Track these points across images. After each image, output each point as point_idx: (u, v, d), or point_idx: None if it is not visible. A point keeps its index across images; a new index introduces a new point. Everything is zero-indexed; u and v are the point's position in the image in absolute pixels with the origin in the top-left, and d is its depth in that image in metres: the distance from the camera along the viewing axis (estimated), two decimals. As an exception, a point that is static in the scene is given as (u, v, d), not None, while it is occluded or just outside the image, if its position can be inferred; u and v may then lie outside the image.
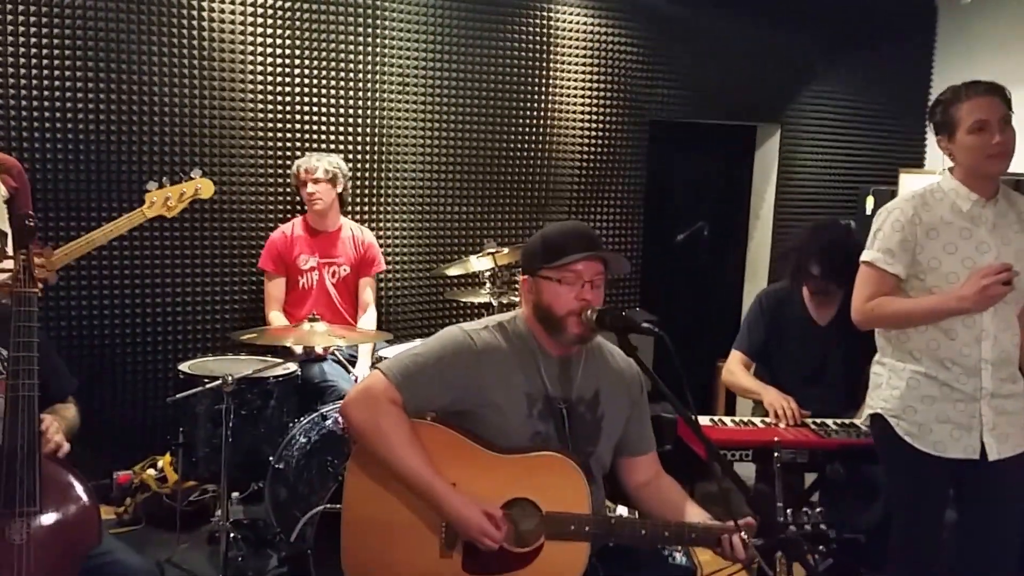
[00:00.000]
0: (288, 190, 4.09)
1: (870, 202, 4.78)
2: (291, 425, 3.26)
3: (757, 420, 3.06)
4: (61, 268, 2.94)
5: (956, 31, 5.35)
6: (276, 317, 3.79)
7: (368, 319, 3.94)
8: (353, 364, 3.69)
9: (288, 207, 4.10)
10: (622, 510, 2.46)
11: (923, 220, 2.46)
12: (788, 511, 1.89)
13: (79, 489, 2.01)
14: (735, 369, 3.27)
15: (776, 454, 2.75)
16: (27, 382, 1.94)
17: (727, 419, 3.06)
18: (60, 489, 1.97)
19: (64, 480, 1.99)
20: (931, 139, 5.48)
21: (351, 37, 4.12)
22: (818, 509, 1.90)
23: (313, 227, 3.87)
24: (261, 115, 3.99)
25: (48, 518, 1.93)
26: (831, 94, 5.33)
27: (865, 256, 2.56)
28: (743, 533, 1.90)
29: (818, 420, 3.01)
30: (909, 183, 4.57)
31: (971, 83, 2.44)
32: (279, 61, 3.99)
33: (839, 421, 3.01)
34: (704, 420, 3.00)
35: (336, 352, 3.61)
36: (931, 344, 2.46)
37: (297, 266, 3.82)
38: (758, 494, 1.80)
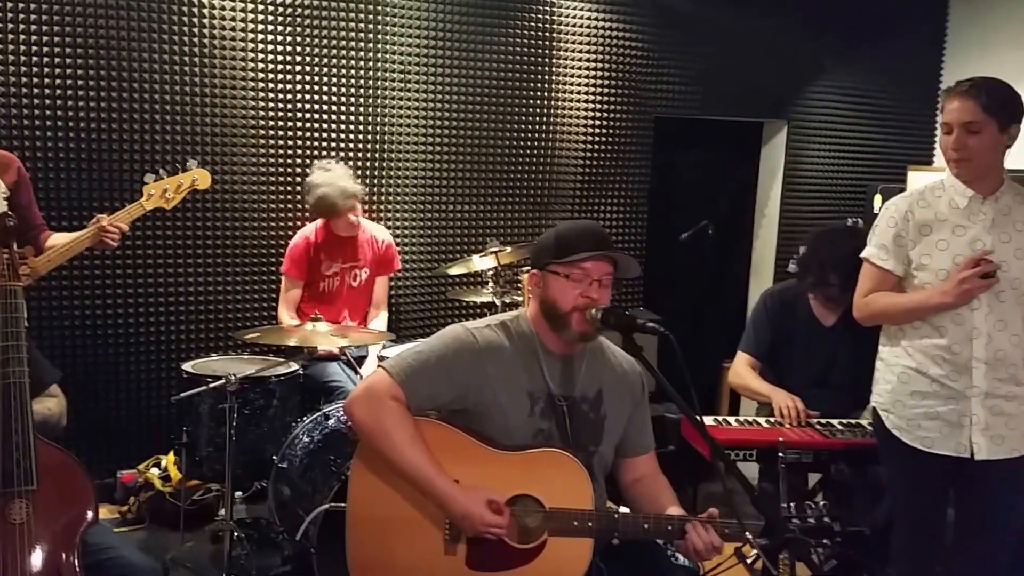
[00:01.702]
0: (291, 187, 4.08)
1: (878, 200, 4.75)
2: (294, 424, 3.27)
3: (762, 420, 3.04)
4: (63, 264, 2.96)
5: (968, 24, 5.30)
6: (287, 318, 3.78)
7: (380, 321, 3.95)
8: (361, 364, 3.69)
9: (291, 205, 4.10)
10: (625, 511, 2.46)
11: (916, 216, 2.46)
12: (792, 504, 1.88)
13: (73, 467, 2.10)
14: (742, 371, 3.25)
15: (780, 454, 2.74)
16: (17, 369, 2.03)
17: (731, 419, 3.04)
18: (55, 468, 2.05)
19: (58, 459, 2.08)
20: (940, 136, 5.50)
21: (352, 34, 4.11)
22: (822, 503, 1.89)
23: (336, 233, 3.84)
24: (263, 112, 3.98)
25: (46, 496, 2.00)
26: (839, 89, 5.30)
27: (864, 252, 2.57)
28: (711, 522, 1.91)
29: (823, 420, 2.99)
30: (917, 180, 4.55)
31: (958, 81, 2.45)
32: (280, 58, 3.98)
33: (844, 421, 2.99)
34: (708, 420, 2.99)
35: (346, 353, 3.61)
36: (923, 340, 2.46)
37: (320, 272, 3.82)
38: (762, 494, 1.79)
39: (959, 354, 2.41)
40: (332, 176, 3.68)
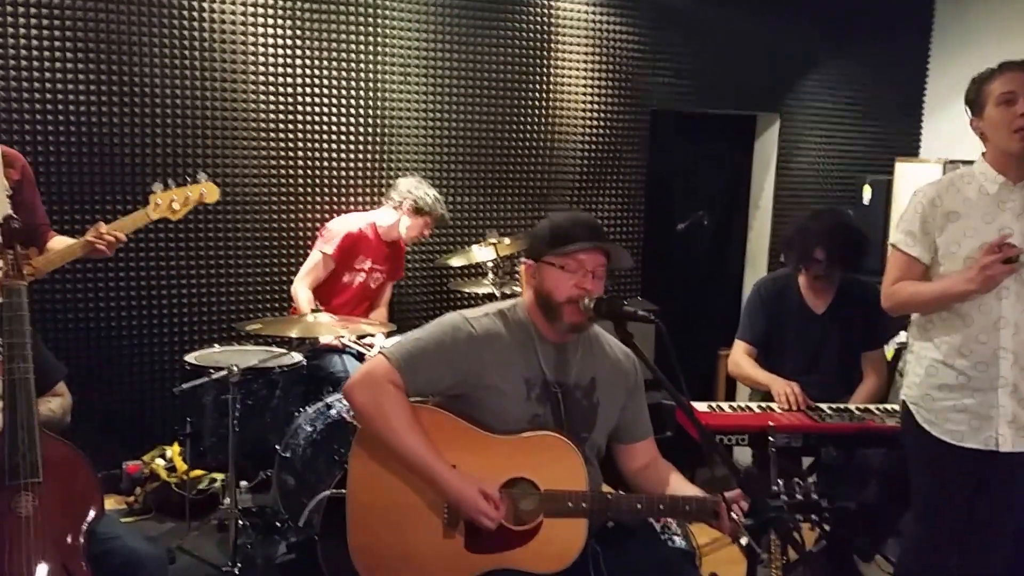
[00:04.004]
0: (291, 181, 4.13)
1: (867, 191, 4.82)
2: (297, 414, 3.31)
3: (754, 405, 3.09)
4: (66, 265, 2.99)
5: (953, 20, 5.37)
6: (305, 295, 3.77)
7: (380, 318, 4.00)
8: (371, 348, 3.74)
9: (293, 197, 4.15)
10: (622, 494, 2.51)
11: (944, 203, 2.42)
12: (780, 482, 1.93)
13: (78, 460, 2.14)
14: (741, 360, 3.30)
15: (771, 439, 2.78)
16: (22, 365, 2.08)
17: (724, 405, 3.09)
18: (60, 461, 2.09)
19: (63, 453, 2.12)
20: (927, 128, 5.57)
21: (352, 28, 4.15)
22: (810, 479, 1.94)
23: (381, 235, 3.90)
24: (263, 106, 4.02)
25: (51, 489, 2.04)
26: (830, 83, 5.36)
27: (891, 238, 2.54)
28: (733, 504, 1.94)
29: (813, 405, 3.04)
30: (905, 172, 4.61)
31: (1007, 61, 2.39)
32: (280, 52, 4.02)
33: (833, 406, 3.04)
34: (702, 406, 3.03)
35: (350, 346, 3.66)
36: (949, 331, 2.42)
37: (353, 264, 3.86)
38: (748, 476, 1.84)
39: (986, 344, 2.37)
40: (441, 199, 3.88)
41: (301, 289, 3.80)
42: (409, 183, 3.85)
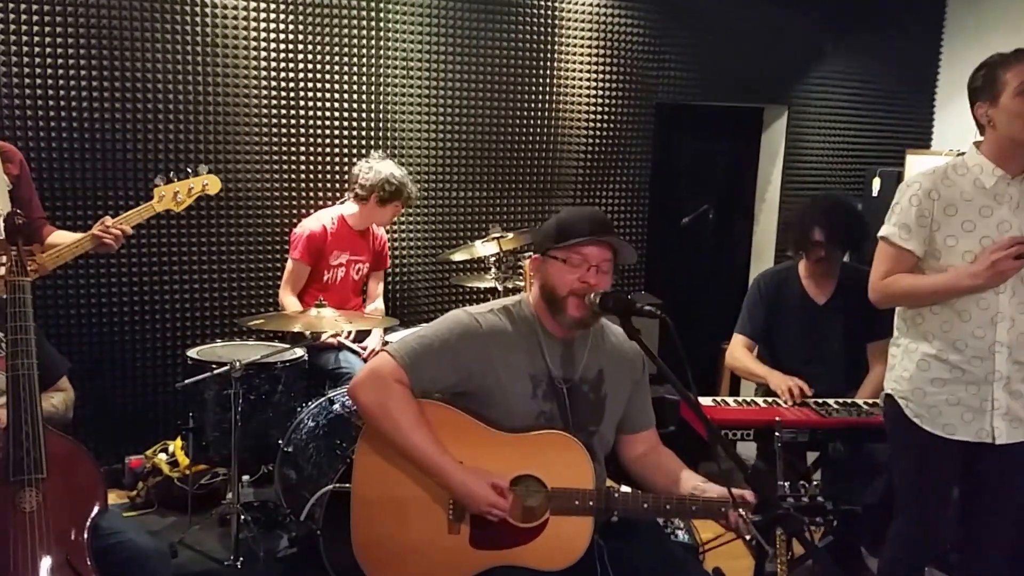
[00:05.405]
0: (293, 176, 4.11)
1: (876, 183, 4.78)
2: (299, 409, 3.31)
3: (759, 400, 3.08)
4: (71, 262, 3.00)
5: (965, 11, 5.32)
6: (291, 301, 3.77)
7: (375, 309, 3.99)
8: (362, 347, 3.73)
9: (294, 193, 4.13)
10: (626, 490, 2.50)
11: (941, 196, 2.38)
12: (786, 484, 1.91)
13: (81, 455, 2.14)
14: (739, 353, 3.29)
15: (777, 433, 2.76)
16: (26, 361, 2.08)
17: (729, 399, 3.08)
18: (64, 457, 2.10)
19: (66, 448, 2.12)
20: (939, 120, 5.52)
21: (355, 22, 4.13)
22: (815, 482, 1.92)
23: (351, 226, 3.85)
24: (265, 102, 4.00)
25: (55, 484, 2.04)
26: (838, 75, 5.31)
27: (882, 231, 2.48)
28: (741, 507, 1.92)
29: (819, 399, 3.03)
30: (916, 164, 4.57)
31: (1016, 51, 2.33)
32: (283, 47, 4.00)
33: (840, 400, 3.03)
34: (707, 401, 3.02)
35: (345, 341, 3.64)
36: (944, 326, 2.40)
37: (328, 261, 3.81)
38: (756, 471, 1.82)
39: (982, 339, 2.35)
40: (404, 174, 3.78)
41: (285, 297, 3.79)
42: (365, 173, 3.73)
